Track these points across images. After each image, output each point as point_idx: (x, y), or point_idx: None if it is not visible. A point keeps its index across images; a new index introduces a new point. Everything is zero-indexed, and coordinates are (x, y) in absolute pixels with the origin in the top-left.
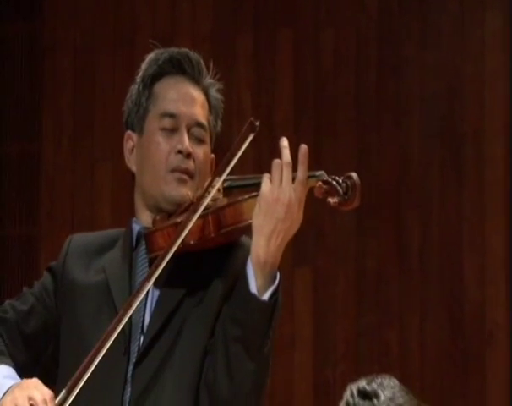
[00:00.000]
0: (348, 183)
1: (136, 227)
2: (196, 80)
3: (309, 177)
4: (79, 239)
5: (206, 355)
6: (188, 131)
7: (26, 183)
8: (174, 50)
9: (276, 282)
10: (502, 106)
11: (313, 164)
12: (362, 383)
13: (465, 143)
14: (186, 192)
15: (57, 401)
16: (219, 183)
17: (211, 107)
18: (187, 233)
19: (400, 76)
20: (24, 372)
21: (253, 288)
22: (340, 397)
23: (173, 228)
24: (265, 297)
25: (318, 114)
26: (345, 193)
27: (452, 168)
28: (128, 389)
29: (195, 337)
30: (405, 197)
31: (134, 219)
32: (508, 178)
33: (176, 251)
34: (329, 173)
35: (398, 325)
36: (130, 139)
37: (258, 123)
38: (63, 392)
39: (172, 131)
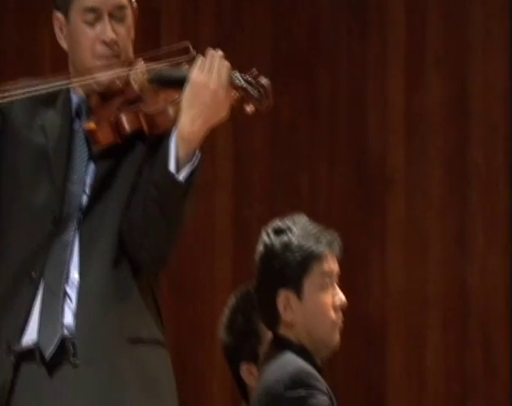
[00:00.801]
0: (261, 90)
1: (74, 99)
2: None
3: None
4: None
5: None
6: (111, 15)
7: None
8: None
9: (196, 161)
10: None
11: (232, 28)
12: (276, 223)
13: (369, 8)
14: (114, 76)
15: None
16: (144, 77)
17: None
18: (122, 129)
19: None
20: None
21: (172, 166)
22: (257, 235)
23: (112, 126)
24: (182, 176)
25: None
26: (260, 99)
27: (358, 31)
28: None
29: (122, 192)
30: (315, 56)
31: (72, 89)
32: (408, 41)
33: (113, 142)
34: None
35: (308, 169)
36: (57, 21)
37: (195, 53)
38: None
39: (96, 20)
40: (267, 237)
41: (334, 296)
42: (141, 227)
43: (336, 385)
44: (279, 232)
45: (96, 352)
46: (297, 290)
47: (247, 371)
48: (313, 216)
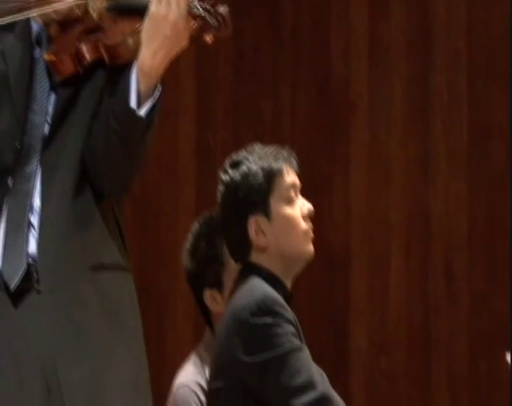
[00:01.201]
0: (220, 19)
1: (34, 26)
2: None
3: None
4: None
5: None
6: None
7: None
8: None
9: (157, 95)
10: None
11: None
12: (230, 158)
13: None
14: (73, 4)
15: None
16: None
17: None
18: (83, 58)
19: None
20: None
21: (133, 101)
22: (221, 161)
23: (72, 56)
24: (143, 111)
25: None
26: (219, 28)
27: None
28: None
29: (83, 120)
30: None
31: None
32: None
33: (74, 72)
34: None
35: (272, 96)
36: None
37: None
38: None
39: None
40: (225, 174)
41: (301, 207)
42: (103, 158)
43: (299, 311)
44: (236, 164)
45: (59, 280)
46: (265, 211)
47: (210, 297)
48: (277, 142)
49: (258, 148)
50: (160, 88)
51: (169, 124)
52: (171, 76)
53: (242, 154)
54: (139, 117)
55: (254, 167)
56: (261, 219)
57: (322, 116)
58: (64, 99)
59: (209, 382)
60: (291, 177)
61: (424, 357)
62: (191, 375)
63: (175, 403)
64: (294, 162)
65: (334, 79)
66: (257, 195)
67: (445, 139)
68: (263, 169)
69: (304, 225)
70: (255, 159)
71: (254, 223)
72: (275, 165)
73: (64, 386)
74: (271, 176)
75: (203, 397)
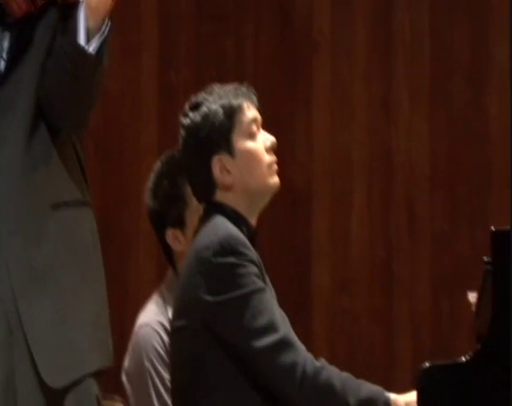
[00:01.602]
0: None
1: None
2: None
3: None
4: None
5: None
6: None
7: None
8: None
9: (106, 30)
10: None
11: None
12: (189, 101)
13: None
14: None
15: None
16: None
17: None
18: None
19: None
20: None
21: (82, 38)
22: (183, 99)
23: None
24: (93, 47)
25: None
26: None
27: None
28: None
29: (37, 57)
30: None
31: None
32: None
33: (28, 11)
34: None
35: (234, 34)
36: None
37: None
38: None
39: None
40: (185, 117)
41: (263, 141)
42: (56, 96)
43: (261, 249)
44: (196, 106)
45: (19, 221)
46: (228, 149)
47: (172, 236)
48: (240, 80)
49: (216, 87)
50: (108, 22)
51: (131, 62)
52: (134, 14)
53: (201, 95)
54: (89, 54)
55: (214, 107)
56: (224, 157)
57: (284, 54)
58: (19, 37)
59: (171, 321)
60: (251, 111)
61: (386, 296)
62: (153, 315)
63: (137, 343)
64: (254, 97)
65: (296, 16)
66: (219, 134)
67: (407, 77)
68: (223, 107)
69: (268, 157)
70: (215, 98)
71: (218, 162)
72: (234, 101)
73: (26, 325)
74: (232, 113)
75: (165, 337)
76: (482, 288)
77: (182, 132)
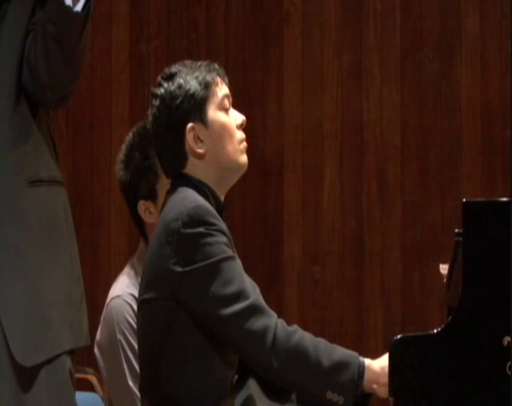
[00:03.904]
0: None
1: None
2: None
3: None
4: None
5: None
6: None
7: None
8: None
9: None
10: None
11: None
12: (163, 72)
13: None
14: None
15: None
16: None
17: None
18: None
19: None
20: None
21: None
22: (154, 70)
23: None
24: (79, 6)
25: None
26: None
27: None
28: None
29: (16, 35)
30: None
31: None
32: None
33: None
34: None
35: (205, 4)
36: None
37: None
38: None
39: None
40: (159, 87)
41: (235, 118)
42: (43, 68)
43: (233, 220)
44: (170, 76)
45: None
46: (202, 119)
47: (144, 208)
48: (210, 50)
49: (189, 62)
50: None
51: (102, 32)
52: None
53: (174, 66)
54: (76, 13)
55: (189, 78)
56: (198, 126)
57: (255, 24)
58: None
59: (139, 293)
60: (224, 87)
61: (357, 266)
62: (125, 287)
63: (109, 315)
64: (225, 76)
65: None
66: (194, 103)
67: (378, 48)
68: (197, 78)
69: (239, 134)
70: (188, 71)
71: (192, 130)
72: (208, 75)
73: None
74: (206, 84)
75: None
76: (453, 260)
77: (155, 101)
